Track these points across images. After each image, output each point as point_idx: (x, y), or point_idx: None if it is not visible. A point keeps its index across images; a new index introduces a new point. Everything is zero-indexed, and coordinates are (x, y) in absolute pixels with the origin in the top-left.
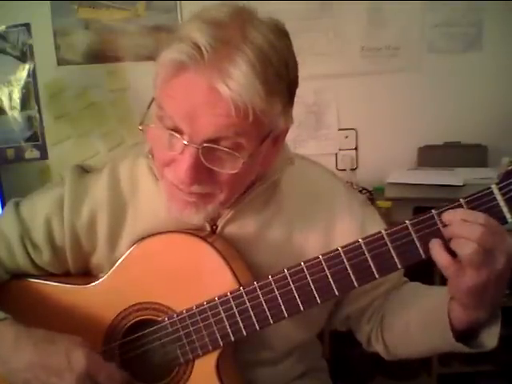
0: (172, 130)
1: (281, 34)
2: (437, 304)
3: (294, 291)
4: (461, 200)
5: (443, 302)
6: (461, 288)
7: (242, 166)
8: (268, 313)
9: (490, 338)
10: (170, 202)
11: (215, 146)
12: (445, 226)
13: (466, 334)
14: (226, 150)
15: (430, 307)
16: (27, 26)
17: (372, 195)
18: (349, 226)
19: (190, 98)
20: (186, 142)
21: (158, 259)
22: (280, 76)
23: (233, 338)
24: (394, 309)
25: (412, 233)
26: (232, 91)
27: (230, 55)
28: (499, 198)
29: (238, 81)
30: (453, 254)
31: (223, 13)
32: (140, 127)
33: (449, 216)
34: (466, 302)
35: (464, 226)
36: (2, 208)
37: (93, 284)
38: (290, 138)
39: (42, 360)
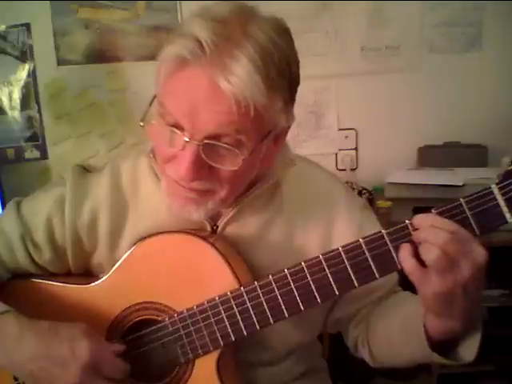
0: (173, 126)
1: (282, 31)
2: (416, 312)
3: (295, 291)
4: (461, 200)
5: (421, 311)
6: (427, 295)
7: (243, 162)
8: (268, 312)
9: (468, 350)
10: (171, 199)
11: (216, 143)
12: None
13: (446, 345)
14: (227, 146)
15: (409, 316)
16: (27, 25)
17: (372, 195)
18: (347, 229)
19: (191, 95)
20: (186, 139)
21: (158, 259)
22: (281, 73)
23: (233, 338)
24: (378, 317)
25: (412, 233)
26: (233, 86)
27: (232, 51)
28: (499, 197)
29: (239, 76)
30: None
31: (224, 10)
32: (141, 123)
33: (418, 221)
34: (435, 310)
35: (430, 231)
36: (3, 208)
37: (93, 284)
38: (290, 137)
39: (45, 351)
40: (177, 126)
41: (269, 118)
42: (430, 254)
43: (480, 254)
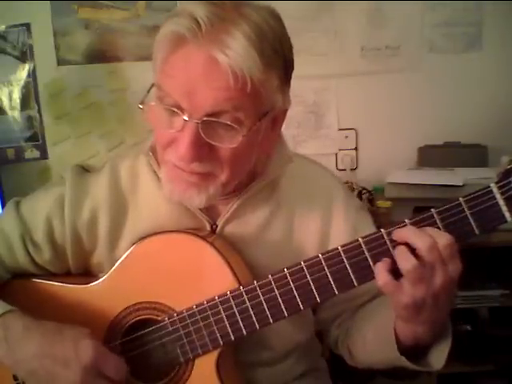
0: (172, 107)
1: (275, 17)
2: (388, 317)
3: (294, 290)
4: (460, 199)
5: (392, 316)
6: (398, 305)
7: (242, 140)
8: (268, 312)
9: (438, 357)
10: (172, 185)
11: (215, 120)
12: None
13: (417, 352)
14: (226, 122)
15: (382, 321)
16: (27, 25)
17: (372, 195)
18: (344, 227)
19: (188, 73)
20: (186, 118)
21: (158, 259)
22: (276, 51)
23: (233, 338)
24: (357, 321)
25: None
26: (230, 59)
27: (227, 28)
28: (498, 196)
29: (235, 50)
30: (395, 274)
31: None
32: (140, 106)
33: (399, 233)
34: (403, 316)
35: (413, 237)
36: (3, 208)
37: (93, 283)
38: (290, 137)
39: (49, 350)
40: (176, 107)
41: (266, 95)
42: (407, 263)
43: (456, 268)
